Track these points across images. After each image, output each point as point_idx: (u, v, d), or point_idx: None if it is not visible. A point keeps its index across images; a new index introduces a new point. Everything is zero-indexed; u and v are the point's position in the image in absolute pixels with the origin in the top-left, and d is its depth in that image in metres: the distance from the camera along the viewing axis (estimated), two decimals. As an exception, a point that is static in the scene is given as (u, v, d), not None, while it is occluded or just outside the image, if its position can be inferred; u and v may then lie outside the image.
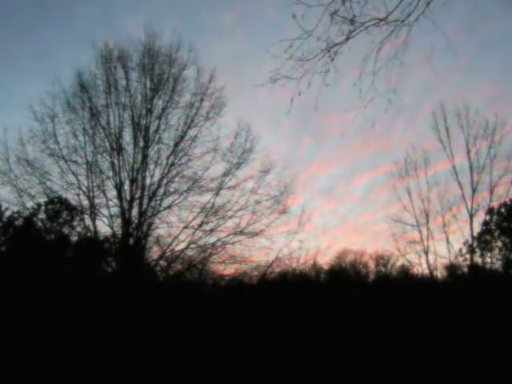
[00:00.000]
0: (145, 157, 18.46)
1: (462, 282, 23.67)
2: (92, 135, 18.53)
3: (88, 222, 18.43)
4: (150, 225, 18.36)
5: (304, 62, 6.26)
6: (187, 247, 18.42)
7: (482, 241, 23.00)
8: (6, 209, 18.92)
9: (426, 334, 20.47)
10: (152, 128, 18.66)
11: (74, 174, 18.26)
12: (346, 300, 26.92)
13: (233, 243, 18.71)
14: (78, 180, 18.22)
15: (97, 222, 18.32)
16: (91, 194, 18.19)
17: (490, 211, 23.06)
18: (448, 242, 22.91)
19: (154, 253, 19.01)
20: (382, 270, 44.38)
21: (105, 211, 18.31)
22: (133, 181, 18.24)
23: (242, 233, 18.61)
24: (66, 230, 19.23)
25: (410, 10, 6.00)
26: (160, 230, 18.74)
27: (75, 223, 19.15)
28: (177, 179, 18.72)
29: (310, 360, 19.09)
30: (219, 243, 18.62)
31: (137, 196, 18.22)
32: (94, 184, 18.28)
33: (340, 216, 69.27)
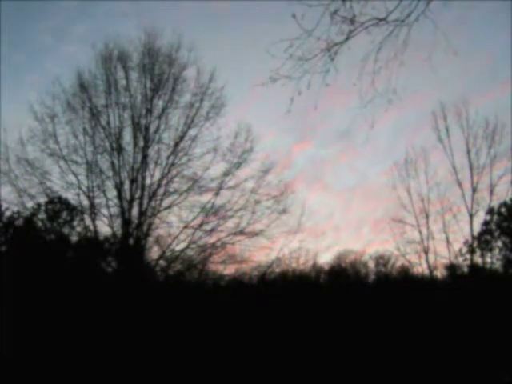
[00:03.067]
0: (145, 157, 18.45)
1: (461, 282, 23.66)
2: (92, 135, 18.52)
3: (88, 222, 18.44)
4: (150, 225, 18.35)
5: (304, 61, 6.25)
6: (187, 247, 18.41)
7: (482, 241, 23.00)
8: (6, 209, 18.95)
9: (426, 333, 20.47)
10: (152, 128, 18.66)
11: (74, 174, 18.24)
12: (346, 300, 26.91)
13: (233, 243, 18.71)
14: (78, 180, 18.21)
15: (97, 221, 18.31)
16: (91, 194, 18.17)
17: (490, 211, 23.06)
18: (448, 241, 22.93)
19: (153, 253, 19.02)
20: (382, 270, 44.31)
21: (105, 211, 18.31)
22: (133, 181, 18.23)
23: (242, 233, 18.59)
24: (65, 230, 19.26)
25: (410, 10, 6.00)
26: (160, 230, 18.74)
27: (75, 223, 19.18)
28: (177, 179, 18.71)
29: (310, 360, 19.09)
30: (219, 243, 18.61)
31: (137, 196, 18.21)
32: (94, 184, 18.27)
33: (357, 173, 53.25)
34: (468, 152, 22.78)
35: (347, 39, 6.17)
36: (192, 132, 18.82)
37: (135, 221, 18.09)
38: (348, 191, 56.44)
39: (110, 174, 18.34)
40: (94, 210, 18.20)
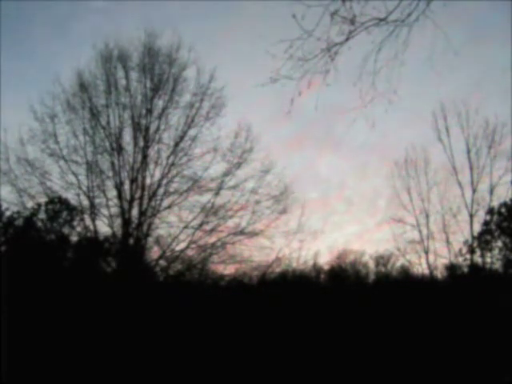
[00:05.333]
0: (145, 157, 18.46)
1: (461, 282, 23.66)
2: (92, 135, 18.53)
3: (88, 222, 18.43)
4: (149, 225, 18.36)
5: (304, 62, 6.25)
6: (187, 247, 18.42)
7: (482, 241, 23.00)
8: (6, 209, 18.95)
9: (427, 333, 20.47)
10: (152, 128, 18.67)
11: (74, 174, 18.24)
12: (346, 300, 26.90)
13: (233, 243, 18.71)
14: (78, 180, 18.21)
15: (97, 221, 18.32)
16: (91, 193, 18.18)
17: (490, 211, 23.06)
18: (448, 241, 22.94)
19: (154, 253, 19.02)
20: (382, 269, 44.29)
21: (105, 211, 18.32)
22: (133, 181, 18.25)
23: (242, 233, 18.60)
24: (65, 230, 19.26)
25: (410, 10, 6.00)
26: (160, 230, 18.74)
27: (75, 223, 19.18)
28: (177, 179, 18.72)
29: (310, 360, 19.09)
30: (219, 243, 18.61)
31: (137, 196, 18.22)
32: (94, 184, 18.28)
33: (377, 125, 53.94)
34: (468, 152, 22.81)
35: (347, 39, 6.17)
36: (192, 132, 18.85)
37: (135, 221, 18.10)
38: (364, 151, 46.41)
39: (110, 174, 18.37)
40: (94, 210, 18.21)
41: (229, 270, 20.01)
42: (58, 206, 18.97)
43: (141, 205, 18.14)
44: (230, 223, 18.69)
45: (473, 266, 22.93)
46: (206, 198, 18.70)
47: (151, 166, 18.55)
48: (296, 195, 19.39)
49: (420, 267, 24.61)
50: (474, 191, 22.50)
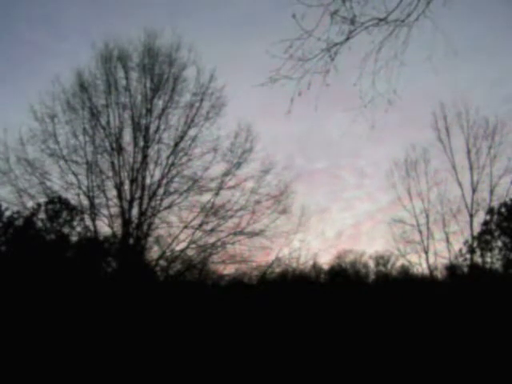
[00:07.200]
0: (145, 157, 18.47)
1: (461, 282, 23.66)
2: (92, 135, 18.53)
3: (88, 222, 18.45)
4: (149, 225, 18.37)
5: (304, 62, 6.24)
6: (187, 247, 18.43)
7: (482, 241, 22.99)
8: (6, 209, 18.97)
9: (426, 334, 20.48)
10: (152, 128, 18.67)
11: (74, 173, 18.24)
12: (346, 300, 26.91)
13: (233, 243, 18.72)
14: (78, 180, 18.21)
15: (97, 222, 18.32)
16: (91, 193, 18.18)
17: (490, 211, 23.05)
18: (448, 241, 22.93)
19: (153, 253, 19.04)
20: (382, 270, 44.35)
21: (105, 211, 18.32)
22: (133, 181, 18.25)
23: (241, 233, 18.61)
24: (66, 230, 19.27)
25: (410, 10, 6.00)
26: (160, 229, 18.75)
27: (75, 223, 19.19)
28: (177, 179, 18.73)
29: (310, 360, 19.10)
30: (219, 243, 18.62)
31: (137, 196, 18.22)
32: (94, 184, 18.28)
33: (400, 71, 50.13)
34: (468, 152, 22.80)
35: (347, 39, 6.16)
36: (192, 132, 18.85)
37: (135, 221, 18.11)
38: (381, 108, 45.36)
39: (110, 174, 18.38)
40: (93, 210, 18.21)
41: (229, 269, 20.07)
42: (58, 206, 18.98)
43: (141, 205, 18.15)
44: (230, 223, 18.72)
45: (473, 266, 22.92)
46: (206, 197, 18.73)
47: (151, 166, 18.58)
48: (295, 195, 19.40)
49: (420, 267, 24.62)
50: (474, 191, 22.51)
